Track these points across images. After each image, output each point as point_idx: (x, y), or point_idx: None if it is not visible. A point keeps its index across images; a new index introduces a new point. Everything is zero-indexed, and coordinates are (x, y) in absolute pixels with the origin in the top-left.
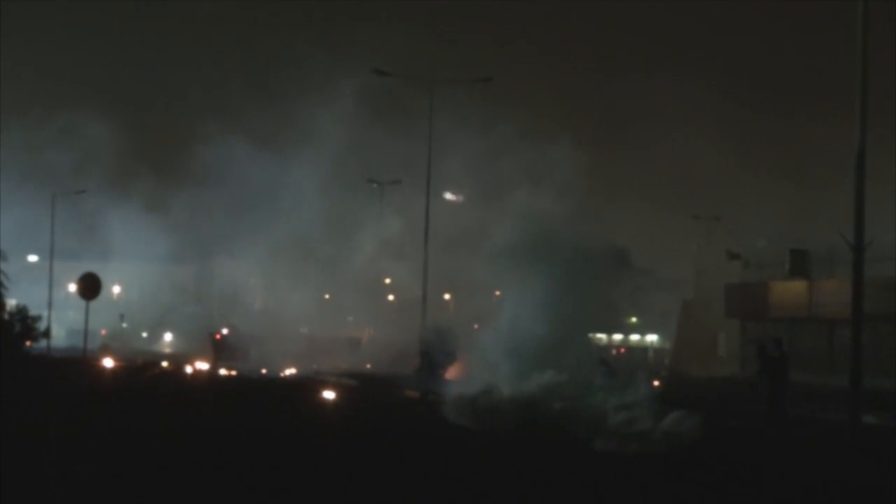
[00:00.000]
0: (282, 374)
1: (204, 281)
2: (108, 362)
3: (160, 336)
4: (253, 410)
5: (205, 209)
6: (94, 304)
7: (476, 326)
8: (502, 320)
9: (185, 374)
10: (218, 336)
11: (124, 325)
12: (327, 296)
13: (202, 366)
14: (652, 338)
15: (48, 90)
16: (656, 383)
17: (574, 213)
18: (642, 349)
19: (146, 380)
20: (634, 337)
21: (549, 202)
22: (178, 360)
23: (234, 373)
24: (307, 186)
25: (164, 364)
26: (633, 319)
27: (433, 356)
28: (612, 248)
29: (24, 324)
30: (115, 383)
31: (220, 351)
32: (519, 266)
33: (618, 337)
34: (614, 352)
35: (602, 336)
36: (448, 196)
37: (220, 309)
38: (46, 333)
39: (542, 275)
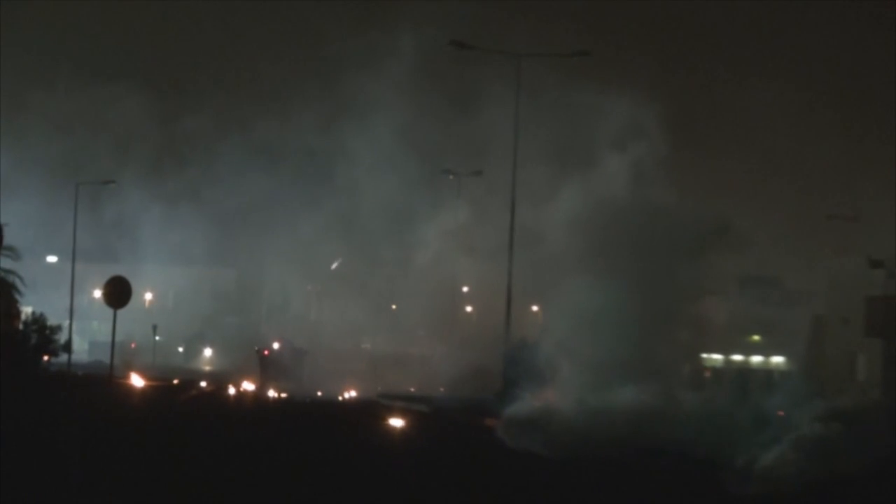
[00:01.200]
0: (340, 398)
1: (249, 287)
2: (137, 381)
3: (199, 351)
4: (309, 441)
5: (251, 205)
6: (122, 313)
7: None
8: (562, 317)
9: (227, 397)
10: (266, 352)
11: (157, 337)
12: (394, 306)
13: (248, 387)
14: (777, 359)
15: (75, 66)
16: (781, 413)
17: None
18: (766, 372)
19: (182, 403)
20: (756, 358)
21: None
22: (220, 379)
23: (284, 395)
24: (371, 179)
25: (203, 384)
26: (755, 337)
27: (519, 378)
28: (707, 218)
29: (41, 335)
30: (145, 407)
31: (268, 369)
32: (589, 247)
33: (736, 358)
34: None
35: (717, 357)
36: None
37: (269, 320)
38: (67, 347)
39: (616, 255)
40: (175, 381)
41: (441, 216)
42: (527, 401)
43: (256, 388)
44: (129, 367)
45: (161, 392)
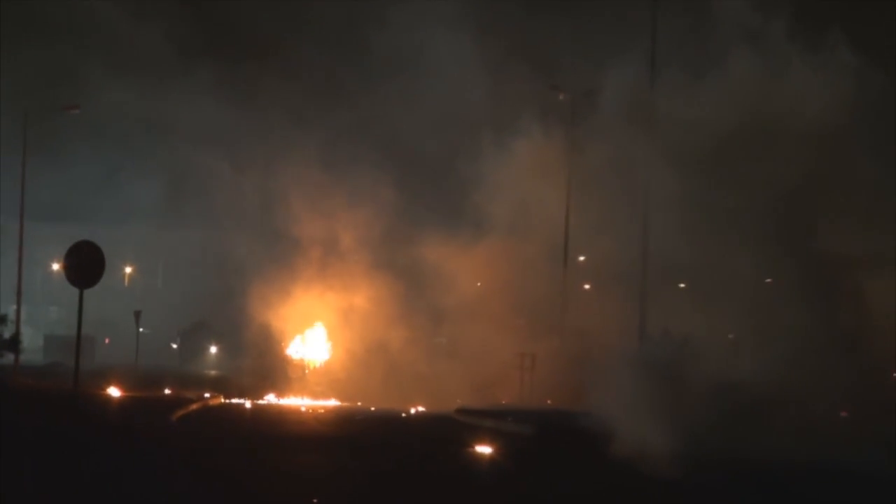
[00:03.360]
0: (405, 413)
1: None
2: (113, 392)
3: (200, 348)
4: (361, 481)
5: (272, 140)
6: (91, 294)
7: (731, 336)
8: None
9: (242, 412)
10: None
11: (141, 329)
12: (479, 283)
13: (272, 399)
14: None
15: None
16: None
17: None
18: None
19: (177, 422)
20: None
21: None
22: (231, 388)
23: (322, 409)
24: (448, 102)
25: (207, 395)
26: None
27: (659, 386)
28: None
29: None
30: (125, 428)
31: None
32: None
33: None
34: None
35: None
36: None
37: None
38: (13, 343)
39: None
40: (167, 391)
41: (546, 152)
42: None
43: (281, 398)
44: (103, 373)
45: (147, 407)
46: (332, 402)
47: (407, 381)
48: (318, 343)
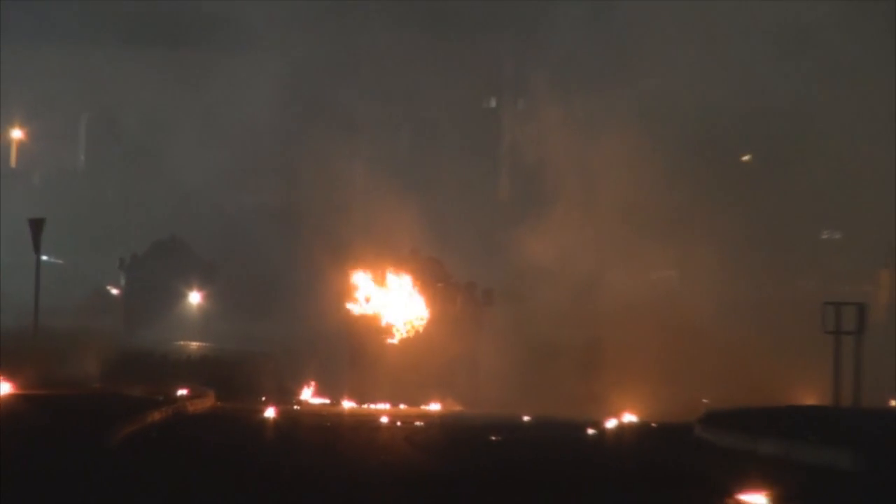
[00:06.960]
0: (593, 427)
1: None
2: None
3: (169, 297)
4: None
5: None
6: None
7: None
8: None
9: (256, 427)
10: None
11: (46, 257)
12: (744, 157)
13: (311, 400)
14: None
15: None
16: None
17: None
18: None
19: (121, 448)
20: None
21: None
22: (232, 378)
23: (419, 420)
24: None
25: (182, 394)
26: None
27: None
28: None
29: None
30: (18, 463)
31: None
32: None
33: None
34: None
35: None
36: None
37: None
38: None
39: None
40: (96, 386)
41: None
42: None
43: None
44: None
45: (64, 417)
46: (436, 407)
47: (597, 360)
48: (406, 292)
